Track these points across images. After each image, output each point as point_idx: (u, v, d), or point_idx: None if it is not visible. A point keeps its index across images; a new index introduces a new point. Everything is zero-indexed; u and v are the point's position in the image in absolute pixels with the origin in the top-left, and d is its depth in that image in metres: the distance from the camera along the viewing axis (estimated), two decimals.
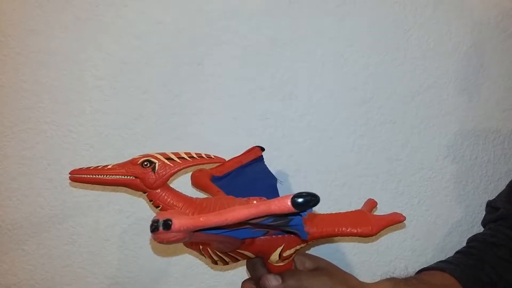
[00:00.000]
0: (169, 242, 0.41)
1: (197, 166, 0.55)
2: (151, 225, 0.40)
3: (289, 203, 0.38)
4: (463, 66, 0.81)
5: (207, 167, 0.66)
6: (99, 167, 0.51)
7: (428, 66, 0.79)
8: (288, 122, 0.76)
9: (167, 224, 0.39)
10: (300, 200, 0.38)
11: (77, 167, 0.53)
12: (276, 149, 0.75)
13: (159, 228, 0.39)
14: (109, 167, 0.51)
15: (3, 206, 0.70)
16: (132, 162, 0.50)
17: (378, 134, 0.79)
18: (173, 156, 0.51)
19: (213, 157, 0.54)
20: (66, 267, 0.73)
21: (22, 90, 0.69)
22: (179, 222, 0.39)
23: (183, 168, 0.51)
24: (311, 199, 0.38)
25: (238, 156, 0.69)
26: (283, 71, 0.74)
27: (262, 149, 0.71)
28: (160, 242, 0.41)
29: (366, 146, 0.79)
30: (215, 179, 0.65)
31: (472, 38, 0.80)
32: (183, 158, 0.52)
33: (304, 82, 0.75)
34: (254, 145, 0.71)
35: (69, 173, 0.51)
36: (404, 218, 0.59)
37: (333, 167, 0.78)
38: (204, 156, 0.53)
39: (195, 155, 0.53)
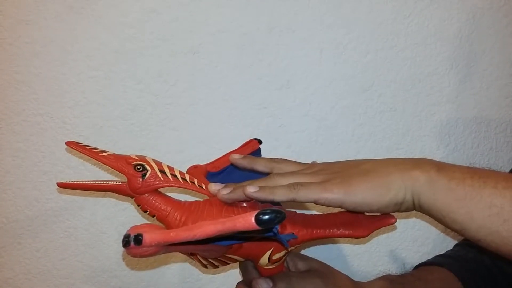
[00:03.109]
0: (142, 256, 0.42)
1: (185, 189, 0.55)
2: (123, 240, 0.41)
3: (253, 221, 0.38)
4: (464, 52, 0.79)
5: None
6: (95, 150, 0.51)
7: (429, 52, 0.78)
8: (286, 112, 0.74)
9: (138, 240, 0.40)
10: (264, 217, 0.38)
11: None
12: (274, 139, 0.74)
13: (131, 243, 0.40)
14: (104, 154, 0.51)
15: None
16: (127, 160, 0.50)
17: (378, 122, 0.78)
18: (167, 170, 0.52)
19: (204, 188, 0.54)
20: (63, 260, 0.72)
21: (15, 82, 0.68)
22: (150, 237, 0.40)
23: (171, 186, 0.52)
24: (276, 217, 0.38)
25: (234, 150, 0.68)
26: (280, 59, 0.73)
27: (260, 142, 0.70)
28: (133, 256, 0.43)
29: (366, 135, 0.78)
30: (210, 176, 0.63)
31: (474, 23, 0.79)
32: (175, 176, 0.52)
33: (302, 70, 0.74)
34: (251, 138, 0.70)
35: (66, 144, 0.52)
36: (395, 220, 0.58)
37: (333, 156, 0.76)
38: (196, 183, 0.54)
39: (187, 179, 0.53)
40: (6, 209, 0.70)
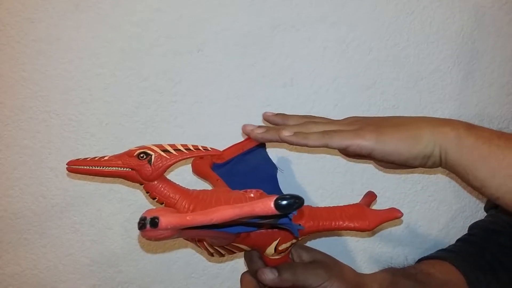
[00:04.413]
0: (157, 239, 0.42)
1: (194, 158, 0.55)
2: (139, 223, 0.41)
3: (272, 206, 0.38)
4: (467, 50, 0.80)
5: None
6: (96, 158, 0.51)
7: (431, 50, 0.78)
8: (290, 109, 0.74)
9: (154, 222, 0.40)
10: (283, 202, 0.38)
11: (78, 156, 0.53)
12: None
13: (147, 226, 0.40)
14: (105, 158, 0.51)
15: (5, 196, 0.70)
16: (129, 154, 0.50)
17: None
18: (169, 148, 0.51)
19: (209, 149, 0.54)
20: (69, 256, 0.73)
21: (21, 79, 0.68)
22: (166, 220, 0.40)
23: (180, 160, 0.52)
24: (295, 202, 0.38)
25: (240, 142, 0.69)
26: (284, 58, 0.74)
27: None
28: (148, 239, 0.43)
29: None
30: (215, 167, 0.64)
31: (476, 21, 0.79)
32: (180, 150, 0.52)
33: (305, 68, 0.75)
34: None
35: (67, 164, 0.51)
36: (402, 215, 0.59)
37: (336, 153, 0.77)
38: (200, 148, 0.53)
39: (191, 147, 0.53)
40: (13, 205, 0.71)
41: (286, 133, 0.53)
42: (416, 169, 0.80)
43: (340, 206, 0.61)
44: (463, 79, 0.81)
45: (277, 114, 0.62)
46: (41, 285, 0.73)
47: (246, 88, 0.73)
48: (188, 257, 0.76)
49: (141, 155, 0.50)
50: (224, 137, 0.72)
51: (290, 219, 0.44)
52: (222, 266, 0.77)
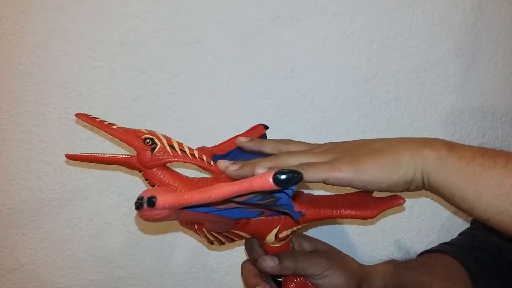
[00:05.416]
0: (154, 219, 0.41)
1: (194, 164, 0.55)
2: (136, 202, 0.40)
3: (271, 180, 0.37)
4: (470, 41, 0.78)
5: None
6: (105, 123, 0.51)
7: (434, 41, 0.77)
8: (290, 102, 0.74)
9: (151, 202, 0.39)
10: (282, 177, 0.37)
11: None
12: (278, 129, 0.74)
13: (144, 205, 0.39)
14: (114, 127, 0.51)
15: (3, 190, 0.70)
16: (137, 133, 0.51)
17: (382, 112, 0.77)
18: (176, 145, 0.52)
19: (212, 165, 0.54)
20: (67, 251, 0.73)
21: (18, 73, 0.67)
22: (163, 199, 0.39)
23: (180, 162, 0.51)
24: (294, 176, 0.37)
25: (241, 134, 0.68)
26: (284, 49, 0.73)
27: (266, 127, 0.70)
28: (145, 220, 0.42)
29: (371, 125, 0.77)
30: (216, 158, 0.64)
31: (480, 11, 0.78)
32: (184, 152, 0.52)
33: (306, 60, 0.74)
34: (258, 123, 0.70)
35: (75, 115, 0.53)
36: (404, 201, 0.58)
37: None
38: (204, 159, 0.54)
39: (197, 155, 0.53)
40: (10, 200, 0.70)
41: (260, 171, 0.50)
42: None
43: (342, 194, 0.60)
44: (466, 71, 0.80)
45: (250, 140, 0.60)
46: (40, 280, 0.73)
47: (246, 80, 0.72)
48: (188, 251, 0.76)
49: (148, 141, 0.50)
50: (223, 129, 0.72)
51: (290, 196, 0.43)
52: (222, 261, 0.77)
